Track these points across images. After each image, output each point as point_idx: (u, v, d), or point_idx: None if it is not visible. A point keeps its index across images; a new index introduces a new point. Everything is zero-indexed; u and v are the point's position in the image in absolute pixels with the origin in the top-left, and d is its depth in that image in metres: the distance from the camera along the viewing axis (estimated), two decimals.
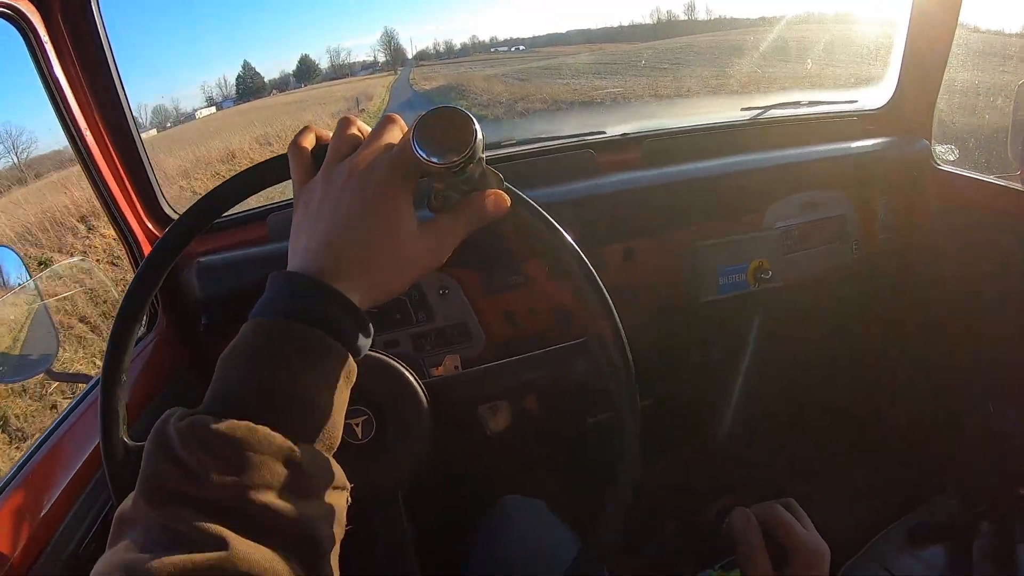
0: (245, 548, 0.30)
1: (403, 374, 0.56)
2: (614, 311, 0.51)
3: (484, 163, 0.42)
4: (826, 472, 1.15)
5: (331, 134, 0.42)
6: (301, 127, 0.45)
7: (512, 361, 0.58)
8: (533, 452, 1.05)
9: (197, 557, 0.29)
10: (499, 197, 0.43)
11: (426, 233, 0.40)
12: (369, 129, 0.42)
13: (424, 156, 0.38)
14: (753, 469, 1.17)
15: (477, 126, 0.38)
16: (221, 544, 0.30)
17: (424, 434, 0.56)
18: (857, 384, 1.25)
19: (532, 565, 0.71)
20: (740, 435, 1.18)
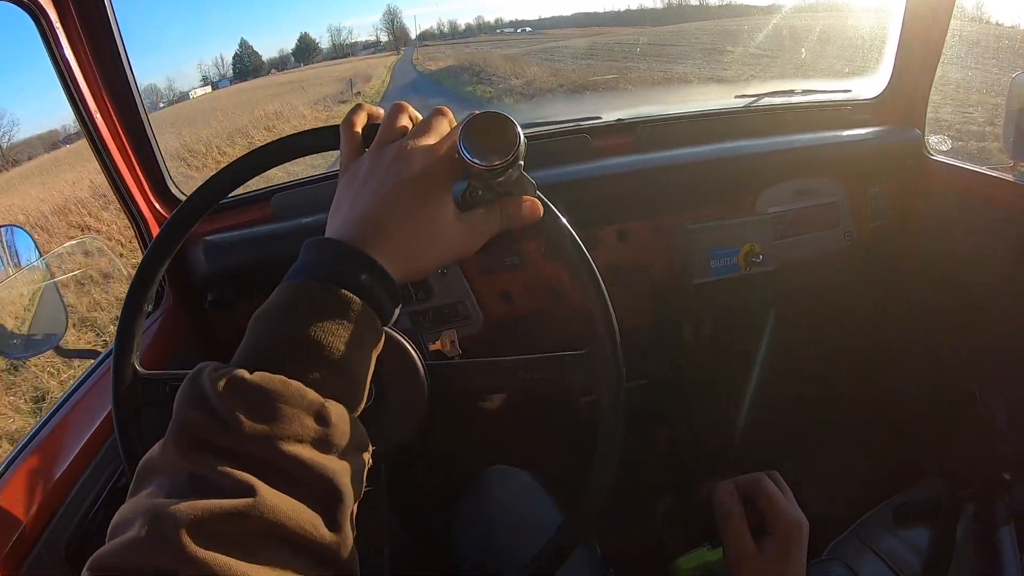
0: (272, 497, 0.31)
1: (410, 353, 0.58)
2: (616, 329, 0.52)
3: (522, 169, 0.44)
4: (816, 451, 1.17)
5: (382, 112, 0.45)
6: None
7: (510, 360, 0.60)
8: (524, 426, 1.07)
9: (225, 502, 0.29)
10: (534, 205, 0.46)
11: (463, 222, 0.43)
12: (420, 117, 0.44)
13: (468, 156, 0.40)
14: (744, 447, 1.19)
15: (521, 133, 0.41)
16: (249, 491, 0.30)
17: (420, 413, 0.58)
18: (847, 366, 1.27)
19: (516, 533, 0.73)
20: (731, 413, 1.20)
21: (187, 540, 0.28)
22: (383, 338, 0.40)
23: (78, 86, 0.84)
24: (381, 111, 0.45)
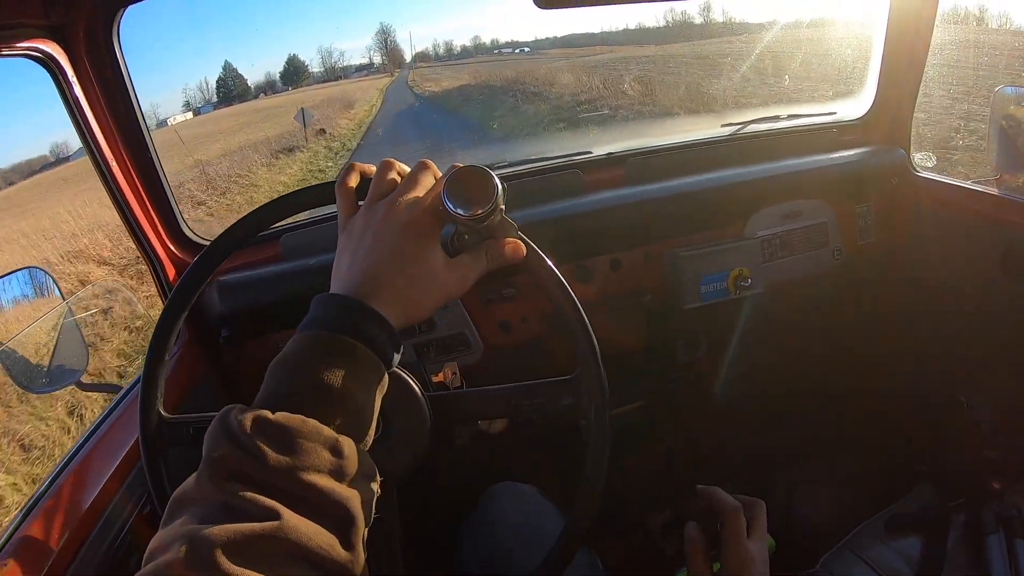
0: (294, 520, 0.35)
1: (411, 387, 0.62)
2: (601, 363, 0.57)
3: (503, 213, 0.49)
4: (809, 464, 1.20)
5: (373, 169, 0.50)
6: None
7: (507, 387, 0.64)
8: (527, 445, 1.11)
9: (254, 525, 0.33)
10: (517, 246, 0.51)
11: (452, 267, 0.48)
12: (408, 169, 0.50)
13: (452, 208, 0.45)
14: (739, 462, 1.23)
15: (499, 184, 0.46)
16: (274, 516, 0.34)
17: (423, 441, 0.61)
18: (839, 380, 1.30)
19: (523, 549, 0.77)
20: (726, 428, 1.24)
21: (222, 559, 0.32)
22: (387, 379, 0.45)
23: (93, 134, 0.88)
24: (372, 168, 0.50)
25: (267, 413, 0.38)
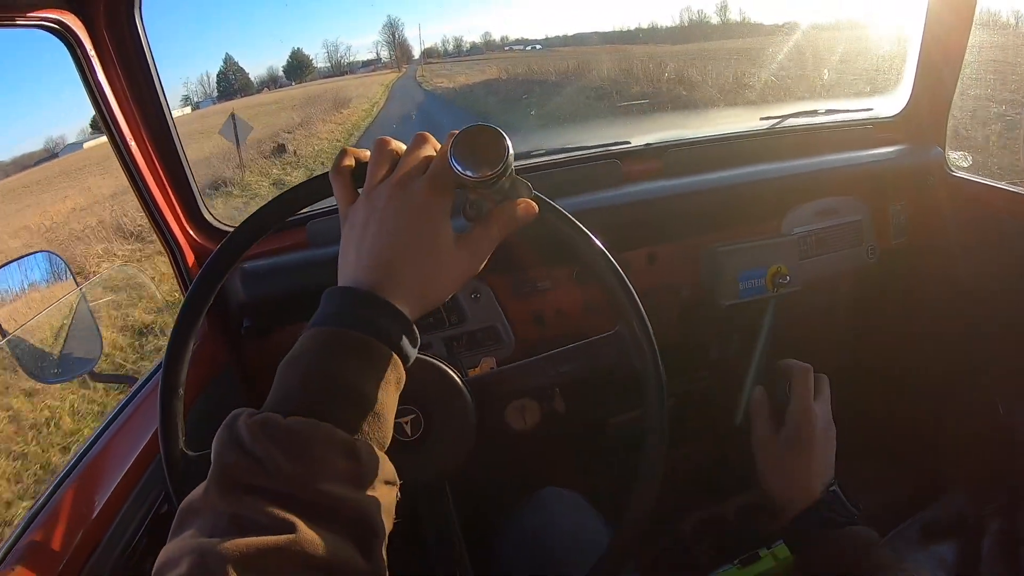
0: (309, 533, 0.33)
1: (448, 373, 0.60)
2: (640, 306, 0.55)
3: (515, 174, 0.46)
4: (843, 466, 1.18)
5: (367, 153, 0.46)
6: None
7: (546, 356, 0.62)
8: (561, 449, 1.08)
9: (267, 539, 0.31)
10: (528, 205, 0.47)
11: (463, 244, 0.44)
12: (403, 147, 0.46)
13: (460, 170, 0.42)
14: None
15: (508, 141, 0.43)
16: (289, 528, 0.32)
17: (469, 429, 0.59)
18: (872, 381, 1.28)
19: (569, 554, 0.75)
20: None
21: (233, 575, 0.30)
22: (404, 375, 0.42)
23: (112, 111, 0.84)
24: (366, 152, 0.47)
25: (277, 417, 0.35)
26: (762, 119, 1.18)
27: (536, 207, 0.47)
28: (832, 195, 1.10)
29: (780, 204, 1.06)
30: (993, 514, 1.06)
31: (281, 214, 0.54)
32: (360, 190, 0.45)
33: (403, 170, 0.43)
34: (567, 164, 1.03)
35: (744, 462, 1.11)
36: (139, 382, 0.87)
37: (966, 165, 1.19)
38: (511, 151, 0.43)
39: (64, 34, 0.79)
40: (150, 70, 0.87)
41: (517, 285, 0.95)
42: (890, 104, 1.22)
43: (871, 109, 1.23)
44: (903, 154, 1.15)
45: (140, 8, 0.85)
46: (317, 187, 0.52)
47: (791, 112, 1.18)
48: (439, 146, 0.45)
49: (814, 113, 1.19)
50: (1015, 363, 1.10)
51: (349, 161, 0.46)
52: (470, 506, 0.75)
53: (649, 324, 0.54)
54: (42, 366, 0.88)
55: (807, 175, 1.07)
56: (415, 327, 0.42)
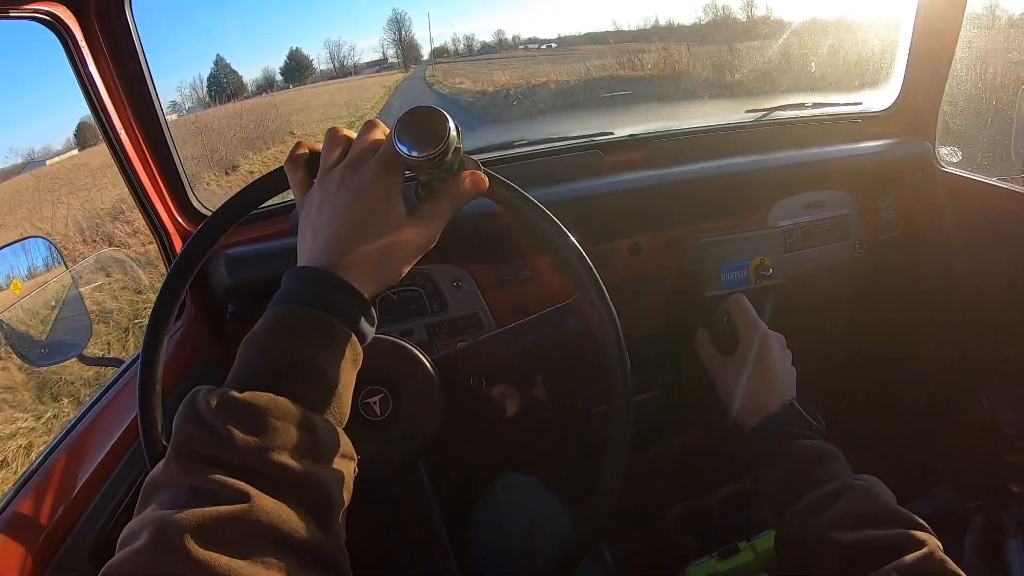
0: (265, 502, 0.34)
1: (413, 353, 0.61)
2: (594, 269, 0.55)
3: (461, 153, 0.47)
4: None
5: (321, 145, 0.47)
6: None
7: (510, 327, 0.62)
8: (537, 436, 1.09)
9: (222, 508, 0.32)
10: (476, 176, 0.48)
11: (415, 219, 0.45)
12: (355, 135, 0.47)
13: (405, 151, 0.43)
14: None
15: (451, 121, 0.44)
16: (244, 498, 0.33)
17: (437, 407, 0.61)
18: (858, 376, 1.28)
19: (524, 539, 0.76)
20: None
21: (191, 544, 0.31)
22: (361, 352, 0.43)
23: (102, 102, 0.86)
24: (318, 144, 0.48)
25: (234, 392, 0.37)
26: (748, 111, 1.18)
27: (485, 179, 0.49)
28: (820, 188, 1.09)
29: (766, 196, 1.06)
30: (977, 510, 1.05)
31: (245, 208, 0.56)
32: (315, 180, 0.46)
33: (353, 154, 0.45)
34: (549, 154, 1.03)
35: (729, 452, 1.12)
36: (125, 363, 0.89)
37: (956, 160, 1.19)
38: (453, 130, 0.44)
39: (56, 25, 0.81)
40: (140, 61, 0.89)
41: (499, 274, 0.96)
42: (880, 98, 1.21)
43: (860, 103, 1.22)
44: (892, 148, 1.15)
45: (131, 0, 0.87)
46: (277, 179, 0.53)
47: (778, 105, 1.18)
48: (388, 130, 0.46)
49: (801, 106, 1.19)
50: (1002, 359, 1.09)
51: (303, 151, 0.48)
52: (443, 489, 0.76)
53: (605, 289, 0.55)
54: (32, 349, 0.90)
55: (794, 168, 1.07)
56: (371, 305, 0.44)
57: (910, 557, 0.46)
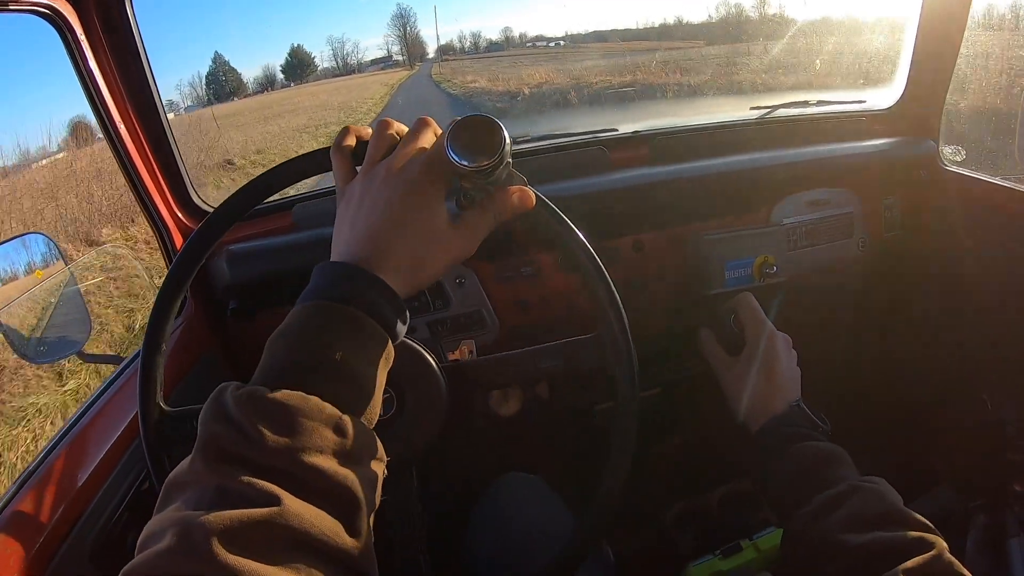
0: (296, 506, 0.32)
1: (424, 357, 0.60)
2: (621, 306, 0.55)
3: (511, 166, 0.46)
4: None
5: (370, 131, 0.46)
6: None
7: (527, 351, 0.62)
8: (540, 434, 1.09)
9: (252, 511, 0.31)
10: (524, 193, 0.47)
11: (457, 227, 0.45)
12: (406, 129, 0.46)
13: (456, 160, 0.42)
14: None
15: (506, 133, 0.43)
16: (274, 501, 0.32)
17: (440, 414, 0.60)
18: (860, 375, 1.27)
19: (526, 539, 0.76)
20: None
21: (218, 548, 0.29)
22: (392, 352, 0.42)
23: (102, 97, 0.85)
24: (368, 130, 0.47)
25: (264, 390, 0.35)
26: (752, 109, 1.18)
27: (533, 197, 0.48)
28: (823, 186, 1.09)
29: (770, 194, 1.05)
30: (979, 509, 1.05)
31: (268, 190, 0.55)
32: (358, 168, 0.45)
33: (402, 152, 0.44)
34: (554, 150, 1.03)
35: (730, 452, 1.11)
36: (125, 362, 0.88)
37: (960, 159, 1.18)
38: (508, 142, 0.43)
39: (55, 19, 0.81)
40: (140, 56, 0.88)
41: (501, 271, 0.96)
42: (884, 96, 1.21)
43: (864, 101, 1.22)
44: (896, 146, 1.15)
45: None
46: (306, 164, 0.53)
47: (782, 103, 1.18)
48: (440, 131, 0.45)
49: (805, 104, 1.19)
50: (1004, 358, 1.09)
51: (351, 139, 0.47)
52: (437, 488, 0.76)
53: (629, 332, 0.55)
54: (32, 345, 0.89)
55: (798, 165, 1.07)
56: (403, 304, 0.42)
57: (918, 559, 0.45)
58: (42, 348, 0.88)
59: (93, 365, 2.80)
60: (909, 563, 0.45)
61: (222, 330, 0.95)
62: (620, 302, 0.54)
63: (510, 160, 0.45)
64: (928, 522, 0.51)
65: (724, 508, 1.13)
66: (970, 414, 1.13)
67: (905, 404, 1.27)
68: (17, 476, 0.69)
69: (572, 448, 1.11)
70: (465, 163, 0.42)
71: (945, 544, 0.48)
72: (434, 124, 0.46)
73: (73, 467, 0.71)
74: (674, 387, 1.11)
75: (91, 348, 0.91)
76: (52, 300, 0.93)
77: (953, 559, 0.46)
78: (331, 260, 0.42)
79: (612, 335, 0.55)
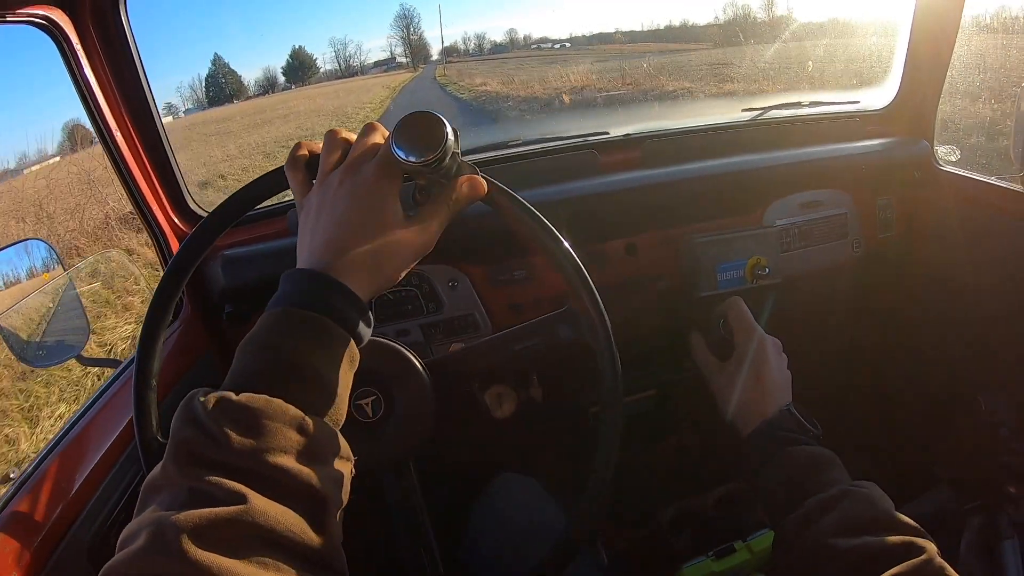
0: (262, 504, 0.34)
1: (405, 355, 0.61)
2: (588, 278, 0.55)
3: (459, 158, 0.47)
4: None
5: (321, 146, 0.47)
6: None
7: (502, 335, 0.63)
8: (534, 436, 1.09)
9: (219, 510, 0.33)
10: (474, 180, 0.49)
11: (413, 222, 0.46)
12: (354, 137, 0.47)
13: (403, 156, 0.43)
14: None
15: (448, 125, 0.44)
16: (240, 499, 0.34)
17: (428, 409, 0.61)
18: (855, 376, 1.27)
19: (521, 539, 0.77)
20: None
21: (188, 545, 0.31)
22: (357, 353, 0.44)
23: (98, 104, 0.87)
24: (319, 144, 0.48)
25: (230, 394, 0.37)
26: (744, 110, 1.18)
27: (484, 184, 0.49)
28: (817, 187, 1.09)
29: (762, 195, 1.05)
30: (974, 510, 1.05)
31: (242, 208, 0.56)
32: (314, 181, 0.47)
33: (352, 157, 0.45)
34: (544, 155, 1.03)
35: (725, 454, 1.12)
36: (122, 365, 0.89)
37: (954, 159, 1.18)
38: (451, 135, 0.44)
39: (51, 29, 0.82)
40: (135, 63, 0.89)
41: (494, 274, 0.96)
42: (878, 97, 1.21)
43: (858, 102, 1.22)
44: (890, 147, 1.14)
45: (126, 3, 0.87)
46: (276, 180, 0.54)
47: (774, 104, 1.18)
48: (387, 133, 0.46)
49: (798, 105, 1.19)
50: (1000, 359, 1.09)
51: (303, 152, 0.48)
52: (440, 488, 0.77)
53: (599, 297, 0.55)
54: (30, 350, 0.90)
55: (791, 167, 1.07)
56: (368, 307, 0.44)
57: (908, 564, 0.46)
58: (41, 352, 0.90)
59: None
60: (899, 568, 0.45)
61: (218, 334, 0.96)
62: (587, 274, 0.55)
63: (458, 151, 0.46)
64: (919, 526, 0.51)
65: (719, 510, 1.14)
66: (965, 416, 1.12)
67: (899, 406, 1.26)
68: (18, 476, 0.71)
69: (566, 449, 1.11)
70: (412, 159, 0.43)
71: (935, 548, 0.48)
72: (380, 127, 0.48)
73: (71, 469, 0.72)
74: (669, 389, 1.11)
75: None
76: (53, 306, 0.94)
77: (943, 563, 0.47)
78: (295, 268, 0.44)
79: (581, 304, 0.56)
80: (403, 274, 0.47)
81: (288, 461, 0.36)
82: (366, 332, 0.44)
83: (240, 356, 0.41)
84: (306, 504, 0.36)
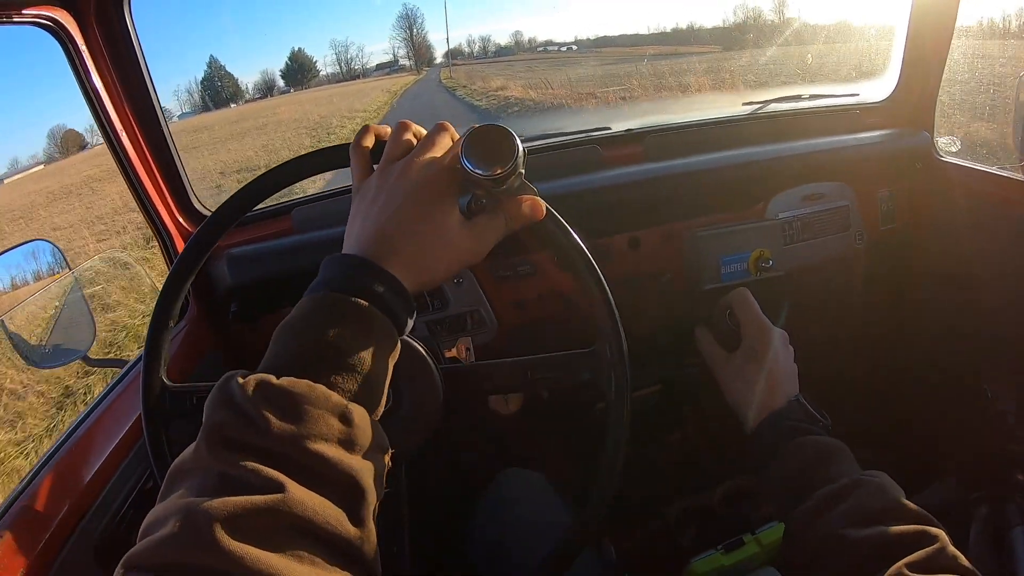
0: (300, 493, 0.32)
1: (424, 357, 0.60)
2: (621, 328, 0.55)
3: (523, 177, 0.47)
4: None
5: (389, 130, 0.47)
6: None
7: (522, 361, 0.62)
8: (540, 431, 1.09)
9: (255, 498, 0.31)
10: (535, 203, 0.48)
11: (469, 230, 0.45)
12: (424, 131, 0.47)
13: (470, 167, 0.43)
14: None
15: (519, 143, 0.44)
16: (278, 488, 0.32)
17: (434, 416, 0.60)
18: (859, 368, 1.27)
19: (528, 534, 0.76)
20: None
21: (221, 535, 0.29)
22: (399, 345, 0.42)
23: (103, 105, 0.87)
24: (388, 129, 0.48)
25: (271, 378, 0.35)
26: (744, 104, 1.18)
27: (543, 207, 0.48)
28: (818, 180, 1.09)
29: (764, 188, 1.05)
30: (981, 500, 1.05)
31: (244, 206, 0.56)
32: (375, 166, 0.46)
33: (418, 155, 0.45)
34: (548, 149, 1.04)
35: (732, 447, 1.11)
36: (128, 365, 0.89)
37: (955, 150, 1.18)
38: (521, 152, 0.44)
39: (56, 30, 0.82)
40: (140, 64, 0.90)
41: (499, 270, 0.97)
42: (877, 89, 1.21)
43: (858, 94, 1.22)
44: (891, 139, 1.15)
45: (130, 4, 0.88)
46: (338, 155, 0.54)
47: (774, 97, 1.18)
48: (457, 137, 0.46)
49: (798, 98, 1.19)
50: (1004, 349, 1.09)
51: (369, 138, 0.48)
52: (437, 484, 0.76)
53: (626, 348, 0.55)
54: (37, 350, 0.90)
55: (792, 160, 1.07)
56: (411, 299, 0.43)
57: (921, 553, 0.45)
58: (46, 353, 0.90)
59: None
60: (912, 557, 0.45)
61: (224, 332, 0.97)
62: (619, 322, 0.55)
63: (523, 171, 0.46)
64: (930, 515, 0.50)
65: (726, 503, 1.13)
66: (971, 405, 1.12)
67: (906, 396, 1.26)
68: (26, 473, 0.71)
69: (572, 444, 1.11)
70: (479, 171, 0.43)
71: (947, 537, 0.47)
72: (452, 129, 0.47)
73: (79, 466, 0.72)
74: (674, 383, 1.11)
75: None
76: (59, 307, 0.95)
77: (956, 552, 0.46)
78: (340, 253, 0.43)
79: (609, 354, 0.56)
80: (445, 279, 0.46)
81: (329, 449, 0.34)
82: (409, 324, 0.43)
83: (278, 339, 0.39)
84: (345, 495, 0.35)
